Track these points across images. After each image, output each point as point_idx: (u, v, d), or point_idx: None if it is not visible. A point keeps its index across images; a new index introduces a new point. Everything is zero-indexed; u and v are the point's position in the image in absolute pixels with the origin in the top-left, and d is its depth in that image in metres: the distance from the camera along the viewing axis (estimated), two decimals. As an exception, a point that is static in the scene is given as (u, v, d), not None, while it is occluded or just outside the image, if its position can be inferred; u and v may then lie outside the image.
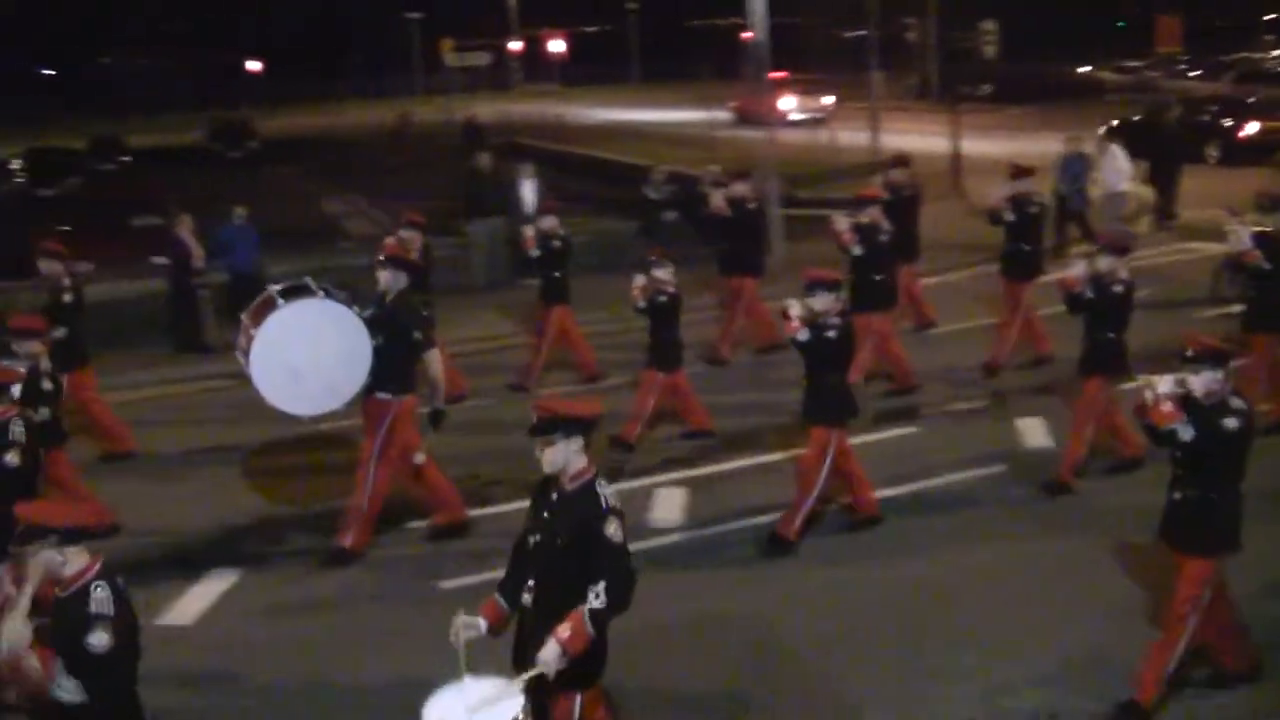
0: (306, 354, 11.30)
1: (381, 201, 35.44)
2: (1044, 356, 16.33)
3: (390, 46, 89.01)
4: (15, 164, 46.93)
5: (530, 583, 7.03)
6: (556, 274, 16.72)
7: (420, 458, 12.06)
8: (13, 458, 9.68)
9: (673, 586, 10.98)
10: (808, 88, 52.41)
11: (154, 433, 15.99)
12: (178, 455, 15.12)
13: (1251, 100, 36.76)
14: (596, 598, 6.66)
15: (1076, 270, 12.33)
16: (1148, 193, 26.85)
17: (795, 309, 11.27)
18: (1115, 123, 34.55)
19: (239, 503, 13.63)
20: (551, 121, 54.57)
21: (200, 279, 19.91)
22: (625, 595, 6.78)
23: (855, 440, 14.23)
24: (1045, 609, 10.17)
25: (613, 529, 6.80)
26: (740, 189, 18.13)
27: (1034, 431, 14.20)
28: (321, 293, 11.56)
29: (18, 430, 9.80)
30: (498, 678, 6.69)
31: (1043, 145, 25.69)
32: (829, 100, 52.94)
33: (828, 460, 11.57)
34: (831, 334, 11.28)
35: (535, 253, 16.58)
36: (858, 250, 15.23)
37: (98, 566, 6.48)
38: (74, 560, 6.45)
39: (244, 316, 11.60)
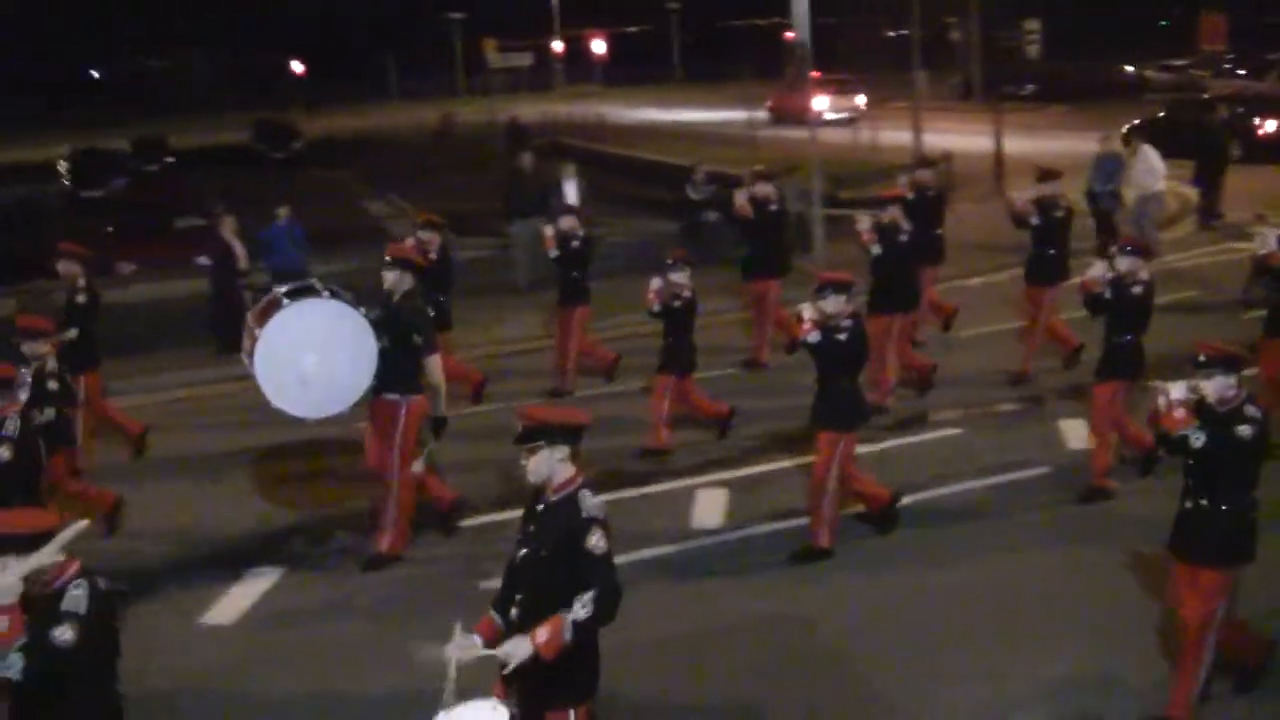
0: (311, 355, 11.25)
1: (424, 202, 35.58)
2: (1075, 351, 16.10)
3: (433, 47, 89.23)
4: (60, 166, 47.31)
5: (518, 596, 6.92)
6: (575, 274, 16.63)
7: (419, 467, 11.96)
8: (4, 452, 9.76)
9: (711, 588, 11.03)
10: (840, 87, 52.22)
11: (197, 432, 16.09)
12: (221, 455, 15.17)
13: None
14: (583, 607, 6.52)
15: (1096, 271, 12.14)
16: (1191, 193, 26.67)
17: (808, 311, 11.20)
18: (1137, 121, 34.28)
19: (282, 502, 13.70)
20: (593, 121, 54.54)
21: (244, 279, 19.99)
22: (612, 608, 6.65)
23: (895, 442, 14.31)
24: (1079, 616, 10.10)
25: (594, 540, 6.65)
26: (762, 190, 17.83)
27: (1077, 433, 14.10)
28: (327, 294, 11.55)
29: (12, 426, 9.88)
30: (485, 700, 6.57)
31: (1086, 145, 25.50)
32: (861, 100, 52.74)
33: (836, 462, 11.42)
34: (842, 336, 11.18)
35: (554, 253, 16.49)
36: (876, 250, 15.06)
37: (72, 569, 6.47)
38: (50, 563, 6.44)
39: (249, 318, 11.57)
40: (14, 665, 6.19)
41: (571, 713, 6.88)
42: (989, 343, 17.62)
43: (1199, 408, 8.10)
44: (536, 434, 6.83)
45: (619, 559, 11.37)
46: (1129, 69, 59.19)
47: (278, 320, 11.24)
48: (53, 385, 11.92)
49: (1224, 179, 25.81)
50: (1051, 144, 35.58)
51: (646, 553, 11.80)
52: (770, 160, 27.33)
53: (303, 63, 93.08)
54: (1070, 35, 60.66)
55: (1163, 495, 11.48)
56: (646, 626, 10.36)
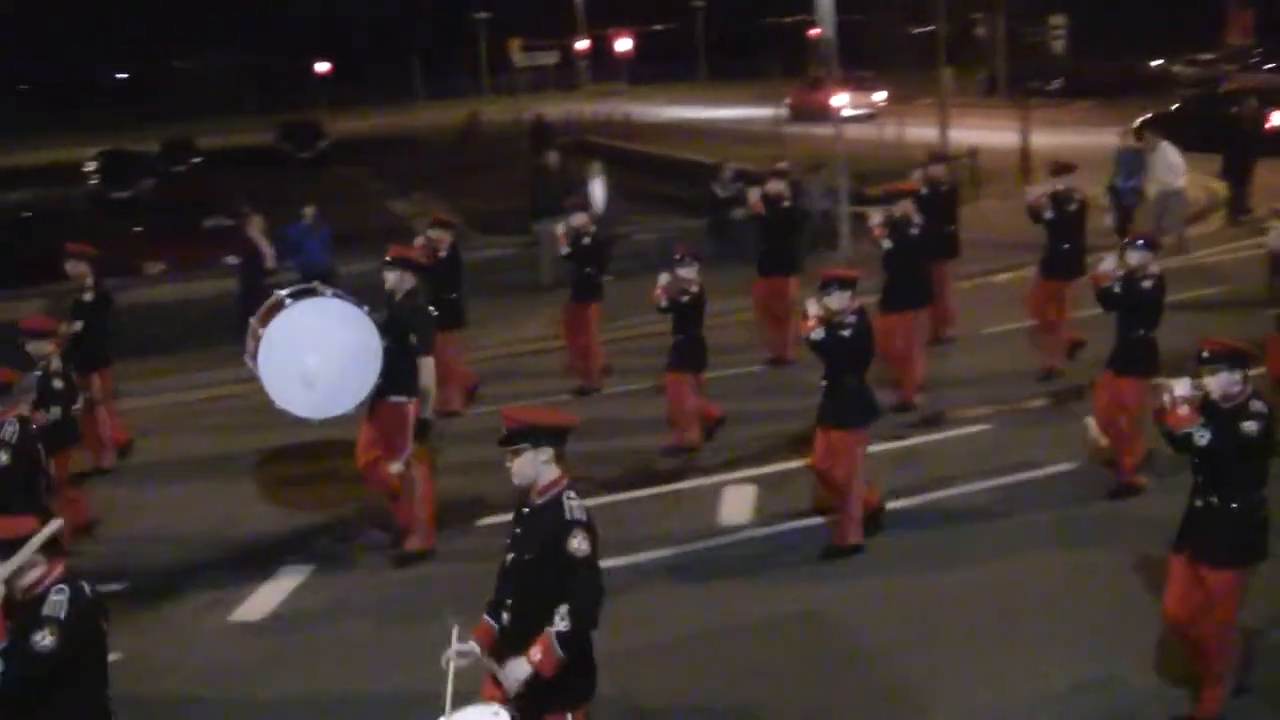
0: (315, 356, 11.25)
1: (450, 201, 35.66)
2: (1074, 347, 16.03)
3: (458, 47, 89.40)
4: (89, 167, 47.55)
5: (508, 601, 6.91)
6: (588, 270, 16.61)
7: (397, 467, 11.92)
8: (2, 457, 9.82)
9: (739, 586, 11.03)
10: (859, 84, 52.17)
11: (225, 431, 16.15)
12: (250, 453, 15.23)
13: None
14: (562, 620, 6.53)
15: (1107, 266, 11.97)
16: (1220, 187, 26.53)
17: (813, 308, 11.14)
18: (1149, 115, 34.10)
19: (311, 500, 13.75)
20: (619, 120, 54.55)
21: (271, 278, 20.03)
22: (592, 613, 6.65)
23: (926, 438, 14.28)
24: (1109, 615, 10.05)
25: (576, 542, 6.63)
26: (775, 187, 17.70)
27: (1096, 430, 14.00)
28: (330, 294, 11.57)
29: (10, 431, 9.92)
30: (486, 705, 6.60)
31: (1112, 140, 25.38)
32: (880, 96, 52.60)
33: (859, 459, 11.37)
34: (846, 333, 11.06)
35: (566, 250, 16.47)
36: (887, 244, 14.95)
37: (55, 573, 6.48)
38: (30, 570, 6.47)
39: (253, 320, 11.55)
40: None
41: (569, 716, 6.87)
42: (1016, 339, 17.54)
43: (1204, 405, 8.01)
44: (520, 436, 6.81)
45: (648, 555, 11.60)
46: (1156, 64, 58.91)
47: (280, 321, 11.26)
48: (58, 384, 12.00)
49: (1253, 173, 25.59)
50: (1077, 139, 35.47)
51: (675, 550, 11.85)
52: (795, 157, 27.34)
53: (329, 63, 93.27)
54: (1096, 30, 60.23)
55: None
56: (673, 624, 10.42)
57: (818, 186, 24.69)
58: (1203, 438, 7.89)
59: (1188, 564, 8.25)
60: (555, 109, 60.13)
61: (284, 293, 11.55)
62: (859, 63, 51.54)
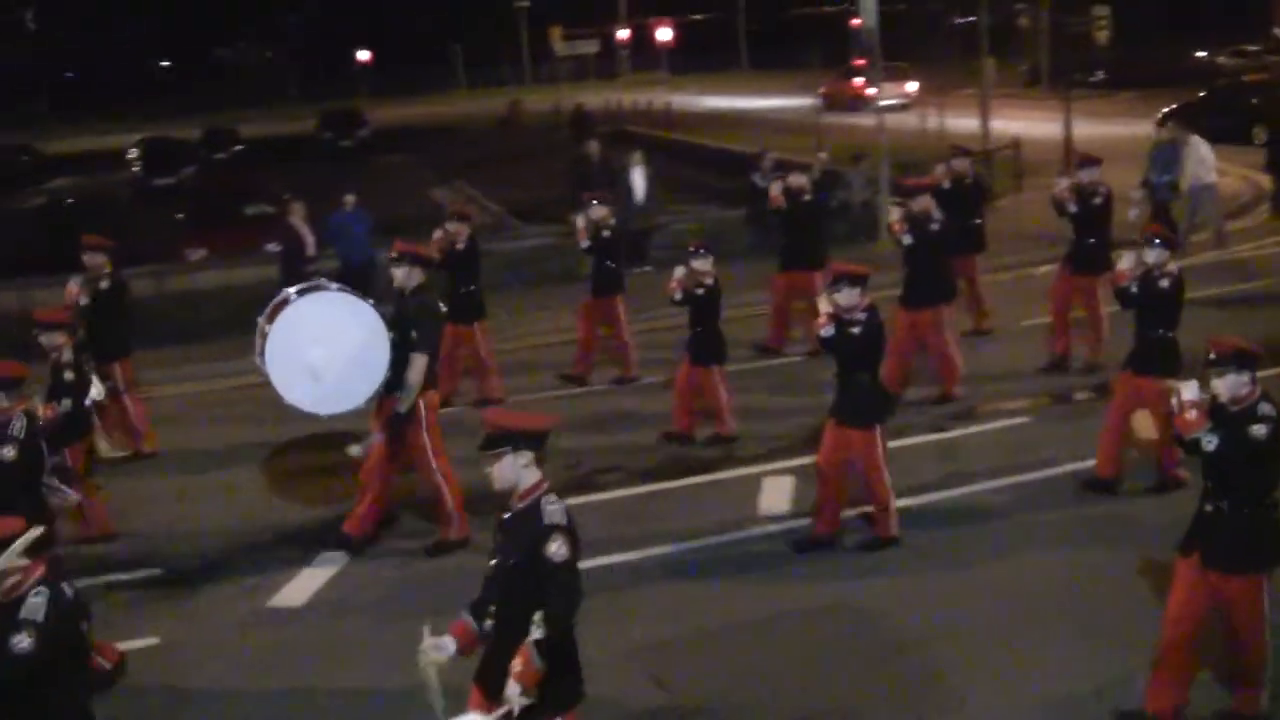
0: (322, 350, 11.27)
1: (491, 190, 35.73)
2: (1057, 357, 15.93)
3: (499, 35, 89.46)
4: (131, 154, 47.85)
5: (492, 606, 6.90)
6: (609, 263, 16.54)
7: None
8: (9, 451, 9.85)
9: (776, 577, 11.01)
10: (892, 74, 51.97)
11: (265, 418, 16.15)
12: (290, 440, 15.24)
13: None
14: (538, 628, 6.49)
15: (1125, 264, 11.77)
16: (1265, 180, 26.30)
17: (823, 305, 11.04)
18: (1173, 106, 33.81)
19: (349, 487, 13.74)
20: (659, 109, 54.53)
21: (312, 266, 20.11)
22: (567, 617, 6.61)
23: (963, 431, 14.22)
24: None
25: (554, 547, 6.60)
26: (796, 181, 17.53)
27: (1146, 422, 13.90)
28: (335, 289, 11.60)
29: (18, 426, 9.95)
30: (472, 714, 6.62)
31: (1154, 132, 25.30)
32: (912, 86, 52.38)
33: (882, 455, 11.26)
34: (856, 330, 10.92)
35: (586, 243, 16.41)
36: (907, 239, 14.80)
37: (36, 574, 6.48)
38: (10, 573, 6.49)
39: (260, 319, 11.53)
40: None
41: None
42: (1045, 334, 17.49)
43: (1213, 408, 7.86)
44: (499, 440, 6.79)
45: (690, 544, 11.61)
46: (1201, 55, 58.45)
47: (288, 315, 11.30)
48: (69, 376, 11.99)
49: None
50: (1121, 131, 35.27)
51: (713, 539, 11.84)
52: (835, 148, 27.27)
53: (369, 52, 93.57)
54: (1140, 20, 59.90)
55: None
56: (711, 614, 10.42)
57: (859, 177, 24.64)
58: (1210, 442, 7.75)
59: (1196, 569, 8.07)
60: (595, 98, 60.14)
61: (290, 290, 11.57)
62: (900, 53, 51.33)
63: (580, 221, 16.50)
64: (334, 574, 11.65)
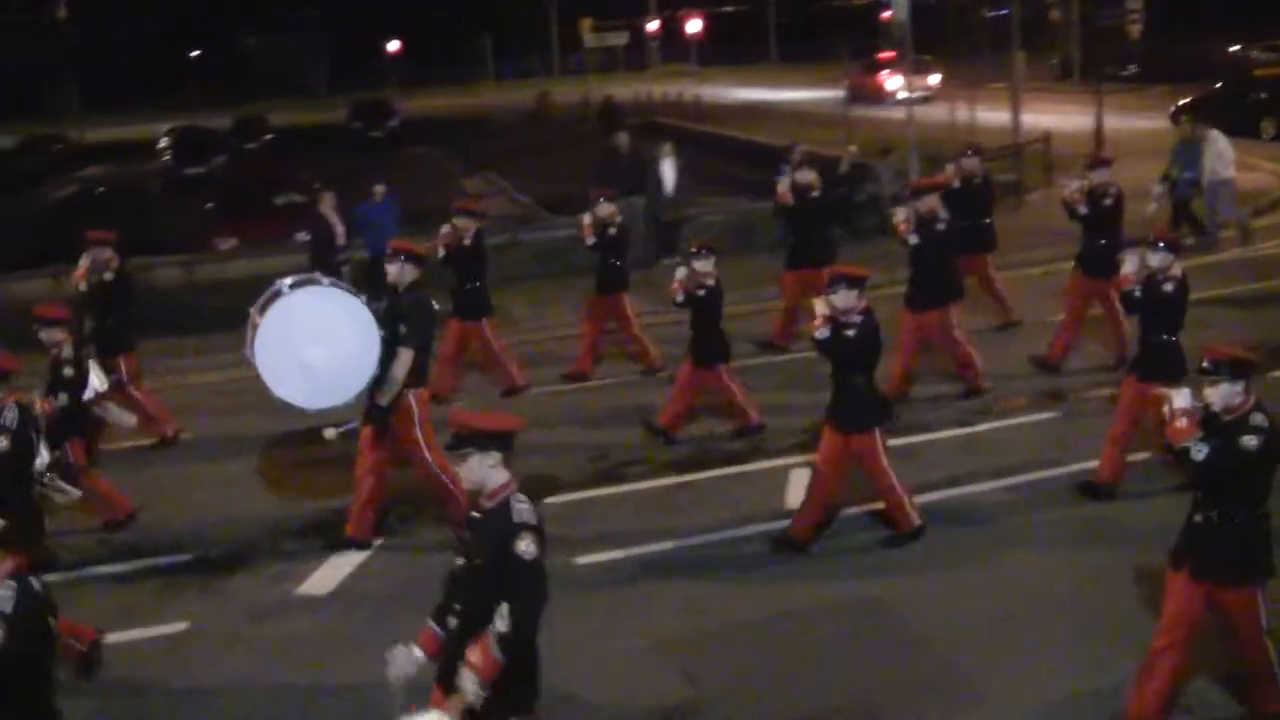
0: (314, 345, 11.25)
1: (520, 181, 35.73)
2: (1050, 359, 15.83)
3: (529, 27, 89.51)
4: (162, 143, 48.03)
5: (456, 607, 6.91)
6: (614, 260, 16.48)
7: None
8: (2, 442, 9.90)
9: (800, 570, 11.02)
10: (915, 67, 51.75)
11: (296, 408, 16.25)
12: (316, 429, 15.31)
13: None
14: (502, 620, 6.49)
15: (1129, 268, 11.64)
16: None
17: (820, 306, 10.95)
18: (1188, 99, 33.59)
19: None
20: (688, 101, 54.44)
21: (342, 255, 20.16)
22: (533, 617, 6.62)
23: (991, 425, 14.18)
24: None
25: (523, 545, 6.61)
26: (805, 177, 17.46)
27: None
28: (329, 283, 11.61)
29: (10, 417, 9.99)
30: (434, 712, 6.61)
31: (1185, 126, 25.09)
32: (935, 79, 52.16)
33: (883, 456, 11.21)
34: (851, 333, 10.82)
35: (591, 240, 16.31)
36: (914, 239, 14.66)
37: (4, 569, 6.46)
38: None
39: (252, 311, 11.52)
40: None
41: None
42: (1086, 327, 17.41)
43: (1206, 417, 7.75)
44: (465, 441, 6.80)
45: (717, 536, 11.60)
46: (1234, 49, 58.08)
47: (280, 307, 11.28)
48: (68, 371, 12.03)
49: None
50: (1152, 125, 35.08)
51: (743, 530, 11.88)
52: (864, 141, 27.20)
53: (399, 42, 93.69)
54: (1173, 14, 59.54)
55: None
56: (738, 607, 10.42)
57: (887, 170, 24.57)
58: (1200, 452, 7.60)
59: (1187, 581, 7.97)
60: (624, 90, 60.10)
61: (284, 282, 11.55)
62: (930, 47, 51.15)
63: (586, 219, 16.42)
64: (360, 562, 11.71)
